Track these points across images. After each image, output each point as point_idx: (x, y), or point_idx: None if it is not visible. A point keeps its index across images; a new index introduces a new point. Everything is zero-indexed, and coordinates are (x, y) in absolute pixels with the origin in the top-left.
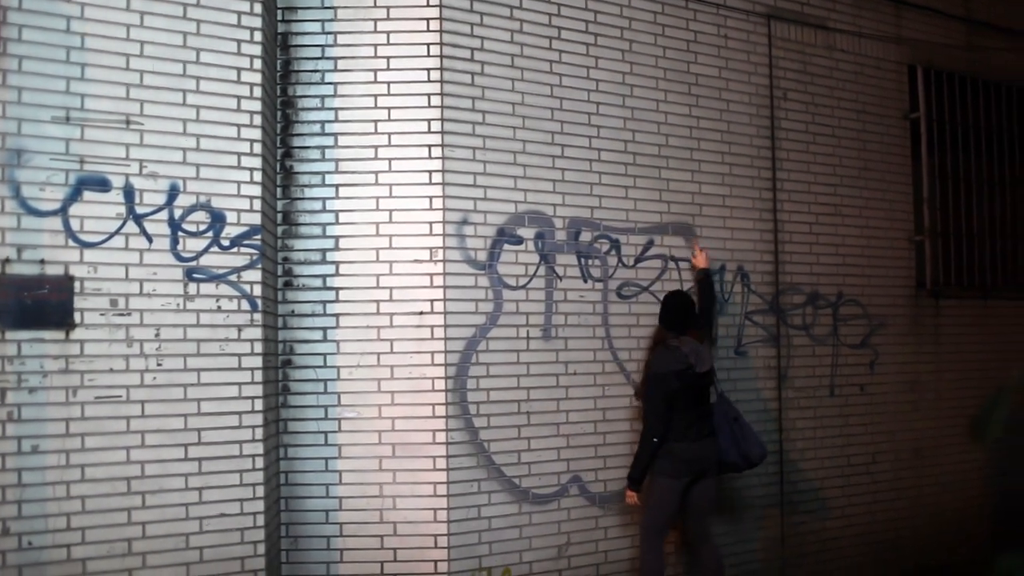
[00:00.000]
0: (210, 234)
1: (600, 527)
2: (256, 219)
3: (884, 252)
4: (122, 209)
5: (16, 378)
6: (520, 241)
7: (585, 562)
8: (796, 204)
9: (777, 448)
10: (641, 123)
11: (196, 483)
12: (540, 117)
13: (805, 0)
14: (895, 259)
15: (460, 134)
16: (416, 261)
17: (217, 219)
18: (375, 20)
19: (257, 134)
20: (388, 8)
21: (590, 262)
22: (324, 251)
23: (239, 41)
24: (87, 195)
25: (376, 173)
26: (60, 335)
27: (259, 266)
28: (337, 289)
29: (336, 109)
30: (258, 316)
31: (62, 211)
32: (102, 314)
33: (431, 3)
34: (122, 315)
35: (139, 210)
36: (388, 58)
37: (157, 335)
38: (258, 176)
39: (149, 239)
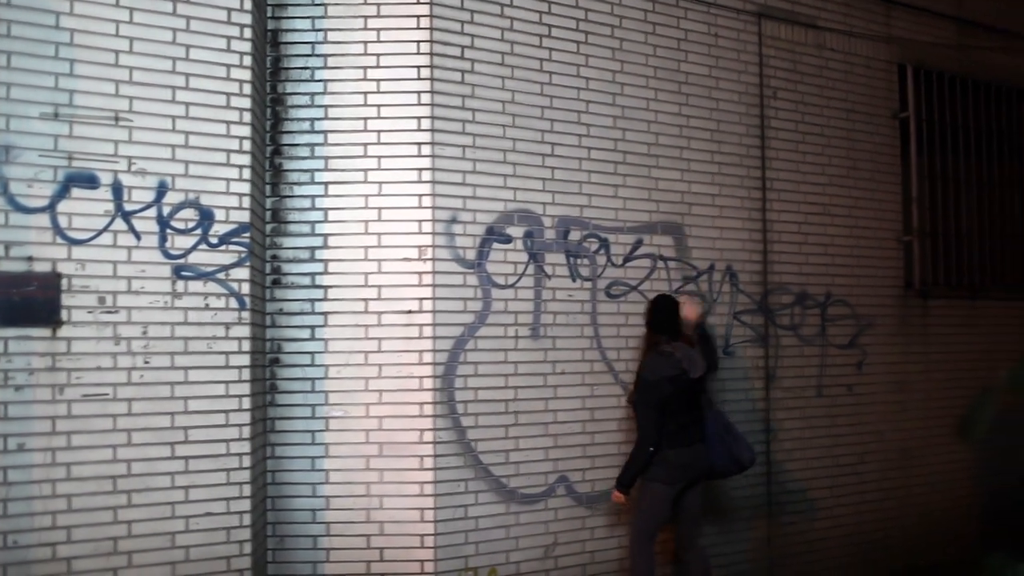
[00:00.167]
0: (198, 231)
1: (587, 527)
2: (245, 217)
3: (873, 252)
4: (110, 206)
5: (2, 376)
6: (509, 240)
7: (572, 562)
8: (785, 203)
9: (765, 448)
10: (631, 121)
11: (182, 482)
12: (530, 115)
13: None
14: (884, 259)
15: (450, 132)
16: (405, 259)
17: (206, 216)
18: (365, 17)
19: (246, 131)
20: (378, 5)
21: (579, 261)
22: (313, 249)
23: (229, 38)
24: (75, 192)
25: (365, 171)
26: (47, 332)
27: (247, 264)
28: (325, 287)
29: (326, 106)
30: (246, 314)
31: (50, 208)
32: (89, 311)
33: (422, 0)
34: (109, 312)
35: (127, 207)
36: (378, 55)
37: (144, 333)
38: (247, 173)
39: (137, 236)
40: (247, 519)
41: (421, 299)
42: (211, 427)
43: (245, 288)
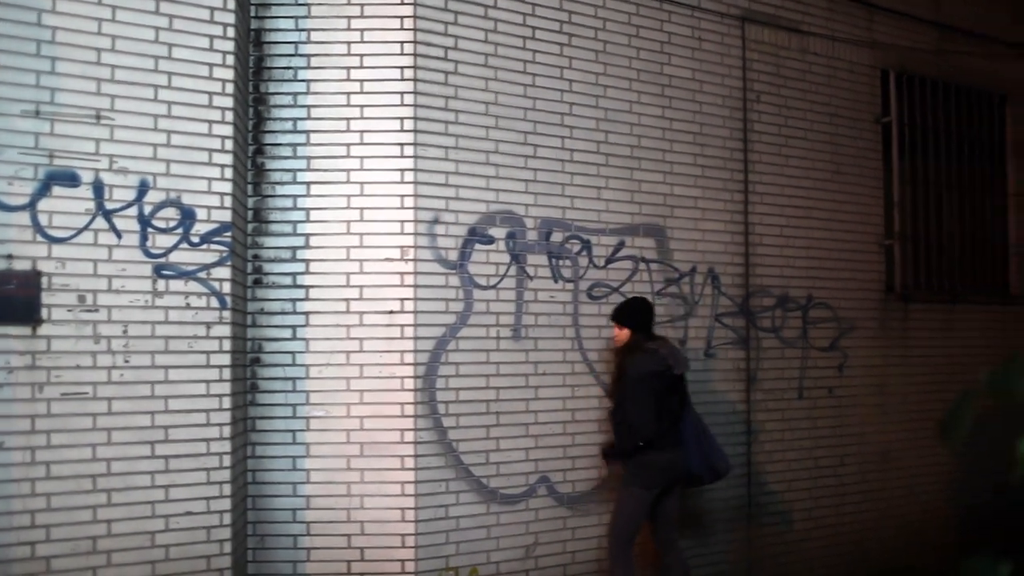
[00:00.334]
0: (180, 231)
1: (568, 528)
2: (226, 216)
3: (854, 255)
4: (91, 204)
5: None
6: (491, 241)
7: (552, 562)
8: (768, 207)
9: (745, 450)
10: (614, 124)
11: (162, 481)
12: (513, 117)
13: (779, 3)
14: (865, 262)
15: (433, 133)
16: (387, 260)
17: (187, 216)
18: (349, 17)
19: (228, 131)
20: (362, 6)
21: (561, 262)
22: (294, 249)
23: (212, 37)
24: (56, 190)
25: (348, 171)
26: (27, 331)
27: (229, 263)
28: (307, 287)
29: (308, 106)
30: (227, 313)
31: (30, 206)
32: (70, 310)
33: (405, 1)
34: (90, 311)
35: (108, 206)
36: (361, 56)
37: (125, 332)
38: (229, 173)
39: (118, 235)
40: (227, 518)
41: (403, 299)
42: (191, 426)
43: (226, 287)
